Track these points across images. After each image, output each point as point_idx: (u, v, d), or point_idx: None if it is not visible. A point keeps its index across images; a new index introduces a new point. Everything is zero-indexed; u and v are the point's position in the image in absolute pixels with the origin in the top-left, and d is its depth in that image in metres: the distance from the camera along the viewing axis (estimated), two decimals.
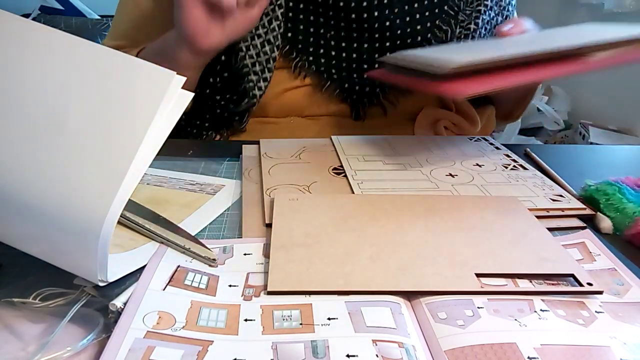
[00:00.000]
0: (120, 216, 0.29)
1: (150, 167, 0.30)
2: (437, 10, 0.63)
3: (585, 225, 0.43)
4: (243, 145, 0.57)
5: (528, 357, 0.28)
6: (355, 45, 0.64)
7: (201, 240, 0.37)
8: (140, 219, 0.38)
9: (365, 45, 0.64)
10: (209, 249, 0.36)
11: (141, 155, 0.29)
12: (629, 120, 2.08)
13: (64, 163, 0.29)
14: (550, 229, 0.41)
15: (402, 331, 0.29)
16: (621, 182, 0.46)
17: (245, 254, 0.37)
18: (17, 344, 0.28)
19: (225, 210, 0.44)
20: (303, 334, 0.29)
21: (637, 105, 2.03)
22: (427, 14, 0.63)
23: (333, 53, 0.64)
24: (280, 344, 0.28)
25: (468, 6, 0.64)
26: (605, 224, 0.43)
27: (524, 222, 0.41)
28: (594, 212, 0.44)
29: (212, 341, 0.28)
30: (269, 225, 0.40)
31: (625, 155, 0.64)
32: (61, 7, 2.03)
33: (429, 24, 0.63)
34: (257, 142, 0.57)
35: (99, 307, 0.31)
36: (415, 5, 0.63)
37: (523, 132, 2.15)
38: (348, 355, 0.27)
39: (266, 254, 0.36)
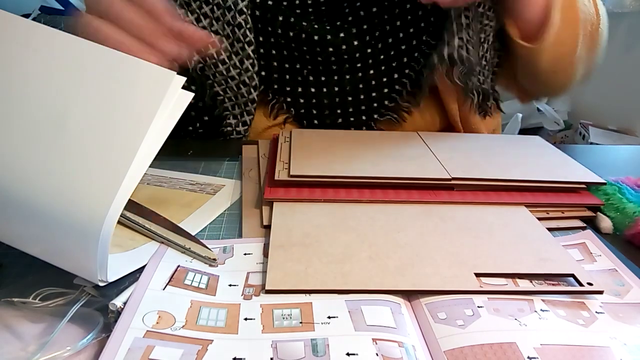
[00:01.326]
0: (121, 216, 0.29)
1: (150, 167, 0.30)
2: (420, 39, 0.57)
3: (585, 225, 0.43)
4: (243, 146, 0.57)
5: (528, 357, 0.27)
6: (336, 77, 0.58)
7: (202, 241, 0.37)
8: (141, 219, 0.38)
9: (347, 77, 0.58)
10: (209, 249, 0.36)
11: (141, 155, 0.29)
12: (629, 120, 2.08)
13: (65, 163, 0.29)
14: (550, 229, 0.41)
15: (402, 331, 0.29)
16: (621, 182, 0.46)
17: (245, 254, 0.37)
18: (17, 343, 0.28)
19: (225, 210, 0.44)
20: (303, 332, 0.29)
21: (637, 105, 2.03)
22: (414, 42, 0.58)
23: (313, 90, 0.59)
24: (280, 342, 0.28)
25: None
26: (606, 224, 0.43)
27: (524, 222, 0.41)
28: (594, 213, 0.44)
29: (212, 340, 0.28)
30: (267, 227, 0.40)
31: (625, 155, 0.64)
32: (61, 7, 2.03)
33: (416, 54, 0.58)
34: (257, 143, 0.57)
35: (99, 306, 0.31)
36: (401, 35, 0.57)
37: (523, 132, 2.16)
38: (348, 354, 0.27)
39: (266, 254, 0.36)
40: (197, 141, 0.61)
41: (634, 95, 2.03)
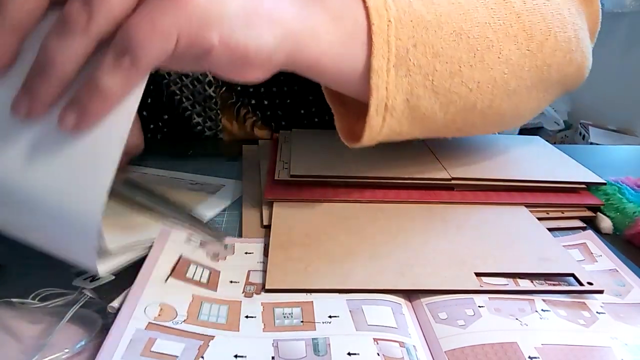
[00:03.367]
0: (129, 199, 0.29)
1: (150, 167, 0.30)
2: None
3: (585, 225, 0.43)
4: (243, 146, 0.57)
5: (529, 357, 0.27)
6: (294, 76, 0.51)
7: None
8: (150, 201, 0.38)
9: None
10: (219, 231, 0.36)
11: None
12: (629, 120, 2.08)
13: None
14: (550, 229, 0.41)
15: (403, 331, 0.29)
16: (621, 182, 0.46)
17: (246, 253, 0.37)
18: (15, 345, 0.28)
19: (225, 210, 0.44)
20: (304, 331, 0.29)
21: (637, 105, 2.03)
22: None
23: (274, 89, 0.55)
24: (281, 341, 0.28)
25: None
26: (606, 224, 0.43)
27: (524, 222, 0.41)
28: (594, 213, 0.44)
29: (213, 336, 0.28)
30: (267, 227, 0.40)
31: (625, 155, 0.64)
32: None
33: None
34: (257, 142, 0.57)
35: (98, 308, 0.30)
36: None
37: (523, 132, 2.16)
38: (349, 353, 0.27)
39: (267, 254, 0.36)
40: (197, 141, 0.61)
41: (634, 95, 2.04)
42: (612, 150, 0.67)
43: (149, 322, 0.28)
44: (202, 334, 0.28)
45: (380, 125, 0.36)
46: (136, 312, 0.29)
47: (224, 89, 0.57)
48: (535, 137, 0.58)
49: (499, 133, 0.57)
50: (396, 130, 0.38)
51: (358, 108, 0.37)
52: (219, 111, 0.56)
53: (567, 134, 2.27)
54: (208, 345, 0.27)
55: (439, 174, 0.45)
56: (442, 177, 0.44)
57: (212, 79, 0.55)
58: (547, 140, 0.57)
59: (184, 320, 0.29)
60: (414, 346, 0.28)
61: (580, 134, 2.18)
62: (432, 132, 0.41)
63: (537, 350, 0.28)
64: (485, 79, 0.38)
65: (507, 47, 0.38)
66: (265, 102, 0.57)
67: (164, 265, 0.33)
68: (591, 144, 1.99)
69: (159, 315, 0.29)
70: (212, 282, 0.33)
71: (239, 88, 0.56)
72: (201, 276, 0.33)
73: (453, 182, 0.44)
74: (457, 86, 0.37)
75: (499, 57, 0.38)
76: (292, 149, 0.49)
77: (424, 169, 0.46)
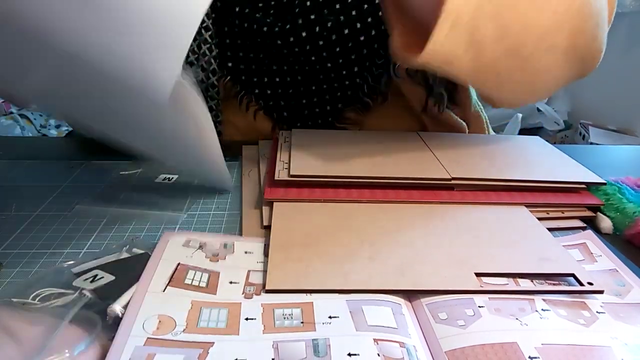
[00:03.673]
0: None
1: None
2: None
3: (585, 225, 0.43)
4: (243, 146, 0.57)
5: (529, 357, 0.27)
6: (296, 67, 0.56)
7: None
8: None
9: (307, 67, 0.55)
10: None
11: None
12: (629, 120, 2.08)
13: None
14: (550, 229, 0.41)
15: (403, 331, 0.29)
16: (621, 182, 0.46)
17: (246, 252, 0.37)
18: (15, 346, 0.28)
19: (224, 211, 0.44)
20: (304, 332, 0.29)
21: (637, 105, 2.03)
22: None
23: (277, 79, 0.57)
24: (281, 342, 0.28)
25: None
26: (606, 224, 0.43)
27: (524, 222, 0.41)
28: (594, 213, 0.44)
29: (213, 342, 0.28)
30: (267, 227, 0.40)
31: (625, 155, 0.64)
32: None
33: (376, 45, 0.55)
34: (257, 143, 0.57)
35: (98, 309, 0.30)
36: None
37: (523, 132, 2.16)
38: (349, 354, 0.27)
39: (267, 254, 0.36)
40: None
41: (634, 95, 2.04)
42: (612, 150, 0.67)
43: (148, 338, 0.28)
44: (202, 342, 0.28)
45: (443, 40, 0.38)
46: (134, 328, 0.28)
47: (228, 78, 0.58)
48: (535, 137, 0.58)
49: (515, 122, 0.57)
50: (452, 53, 0.39)
51: (414, 30, 0.40)
52: (220, 102, 0.57)
53: (567, 134, 2.27)
54: (208, 353, 0.27)
55: (439, 174, 0.45)
56: (442, 177, 0.44)
57: (216, 67, 0.56)
58: (547, 140, 0.57)
59: (184, 330, 0.28)
60: (414, 346, 0.28)
61: (580, 134, 2.18)
62: (478, 66, 0.41)
63: (537, 350, 0.28)
64: (537, 23, 0.39)
65: None
66: (268, 92, 0.58)
67: (161, 274, 0.33)
68: (591, 144, 1.99)
69: (158, 328, 0.28)
70: (211, 285, 0.33)
71: (243, 77, 0.57)
72: (200, 280, 0.33)
73: (453, 182, 0.44)
74: (515, 19, 0.38)
75: (549, 5, 0.39)
76: (292, 148, 0.49)
77: (424, 169, 0.46)
